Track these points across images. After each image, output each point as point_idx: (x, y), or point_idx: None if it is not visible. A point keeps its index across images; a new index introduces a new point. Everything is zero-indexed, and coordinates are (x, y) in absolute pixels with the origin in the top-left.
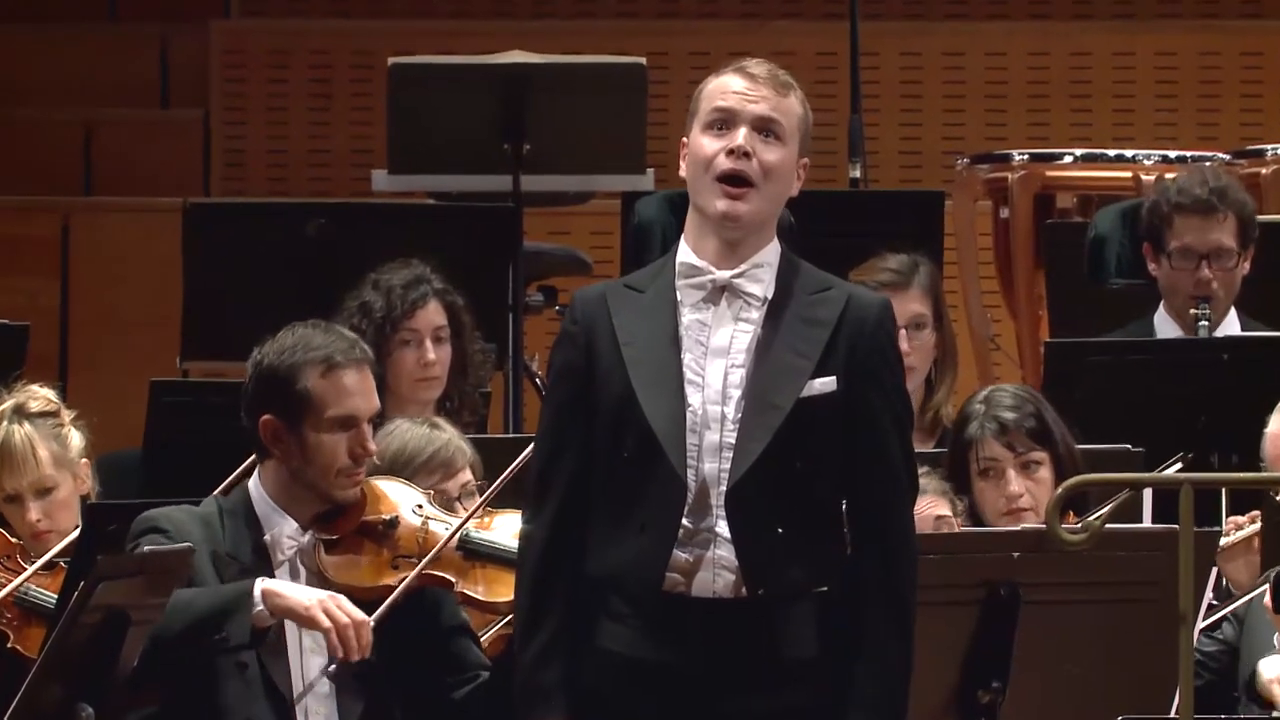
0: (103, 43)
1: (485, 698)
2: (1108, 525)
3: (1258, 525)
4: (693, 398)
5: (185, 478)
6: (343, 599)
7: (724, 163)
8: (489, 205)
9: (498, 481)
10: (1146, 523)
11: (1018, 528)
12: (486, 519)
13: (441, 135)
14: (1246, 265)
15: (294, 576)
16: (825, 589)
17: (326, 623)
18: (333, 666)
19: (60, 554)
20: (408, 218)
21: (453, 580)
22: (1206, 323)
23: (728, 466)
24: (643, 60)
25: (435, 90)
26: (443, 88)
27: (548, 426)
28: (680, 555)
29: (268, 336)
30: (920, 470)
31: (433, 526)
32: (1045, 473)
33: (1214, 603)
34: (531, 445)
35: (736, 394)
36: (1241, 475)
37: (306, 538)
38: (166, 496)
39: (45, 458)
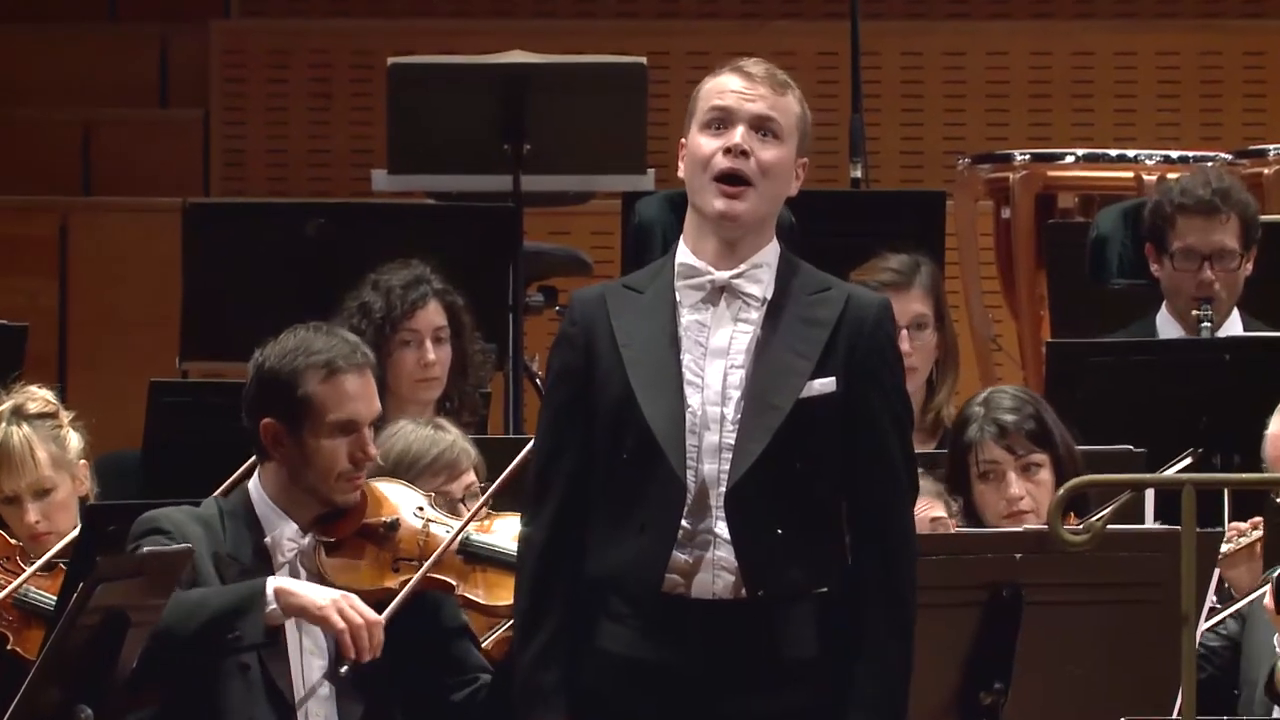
0: (102, 42)
1: (487, 700)
2: (1110, 526)
3: (1260, 532)
4: (692, 399)
5: (185, 478)
6: (355, 599)
7: (721, 162)
8: (489, 205)
9: (495, 483)
10: (1149, 523)
11: (1020, 528)
12: (487, 522)
13: (441, 135)
14: (1249, 266)
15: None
16: (825, 590)
17: (340, 623)
18: (344, 668)
19: (60, 555)
20: (407, 218)
21: (454, 584)
22: (1209, 323)
23: (727, 467)
24: (643, 60)
25: (435, 90)
26: (443, 87)
27: (547, 428)
28: (680, 556)
29: (269, 338)
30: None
31: (433, 529)
32: (1045, 475)
33: (1215, 605)
34: (529, 445)
35: (736, 395)
36: (1244, 476)
37: (307, 540)
38: (166, 497)
39: (44, 459)
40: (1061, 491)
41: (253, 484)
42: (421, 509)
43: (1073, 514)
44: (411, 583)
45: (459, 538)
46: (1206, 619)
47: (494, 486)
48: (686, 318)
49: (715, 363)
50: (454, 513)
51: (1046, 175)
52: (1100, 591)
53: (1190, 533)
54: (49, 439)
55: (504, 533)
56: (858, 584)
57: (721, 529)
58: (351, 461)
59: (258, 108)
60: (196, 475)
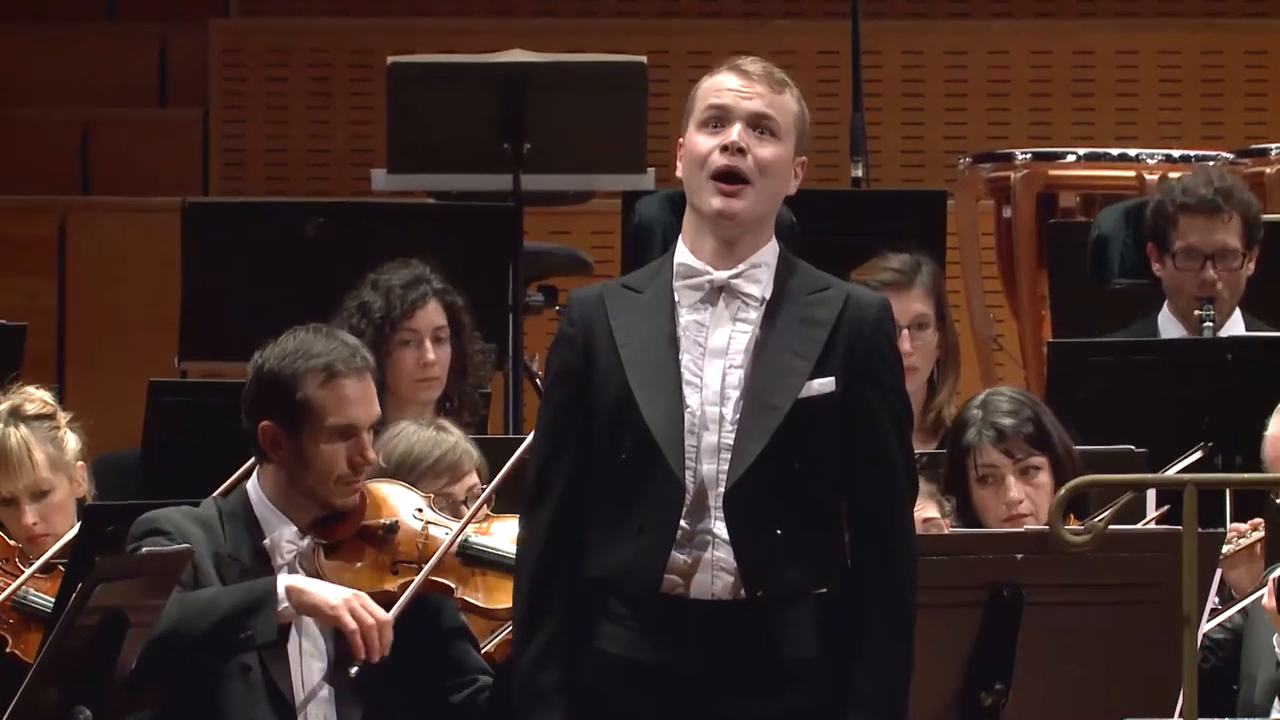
0: (101, 42)
1: (489, 703)
2: (1111, 526)
3: (1260, 533)
4: (691, 399)
5: (184, 478)
6: (366, 598)
7: (718, 160)
8: (489, 205)
9: (492, 483)
10: (1150, 521)
11: (1021, 529)
12: (485, 524)
13: (441, 134)
14: (1251, 265)
15: None
16: (824, 590)
17: (352, 624)
18: (354, 669)
19: (59, 556)
20: (407, 217)
21: (453, 586)
22: (1211, 323)
23: (726, 468)
24: (643, 59)
25: (435, 89)
26: (443, 87)
27: (545, 428)
28: (678, 557)
29: (269, 340)
30: None
31: (433, 531)
32: (1044, 477)
33: (1216, 605)
34: (525, 442)
35: (735, 395)
36: (1245, 476)
37: (305, 542)
38: (165, 497)
39: (41, 461)
40: (1063, 491)
41: (251, 485)
42: (420, 510)
43: (1072, 515)
44: (414, 585)
45: (458, 540)
46: (1208, 620)
47: (491, 486)
48: (685, 318)
49: (714, 363)
50: (455, 514)
51: (1048, 174)
52: (1101, 592)
53: (1192, 533)
54: (46, 440)
55: (502, 535)
56: (857, 584)
57: (720, 529)
58: (350, 466)
59: (257, 107)
60: (196, 475)
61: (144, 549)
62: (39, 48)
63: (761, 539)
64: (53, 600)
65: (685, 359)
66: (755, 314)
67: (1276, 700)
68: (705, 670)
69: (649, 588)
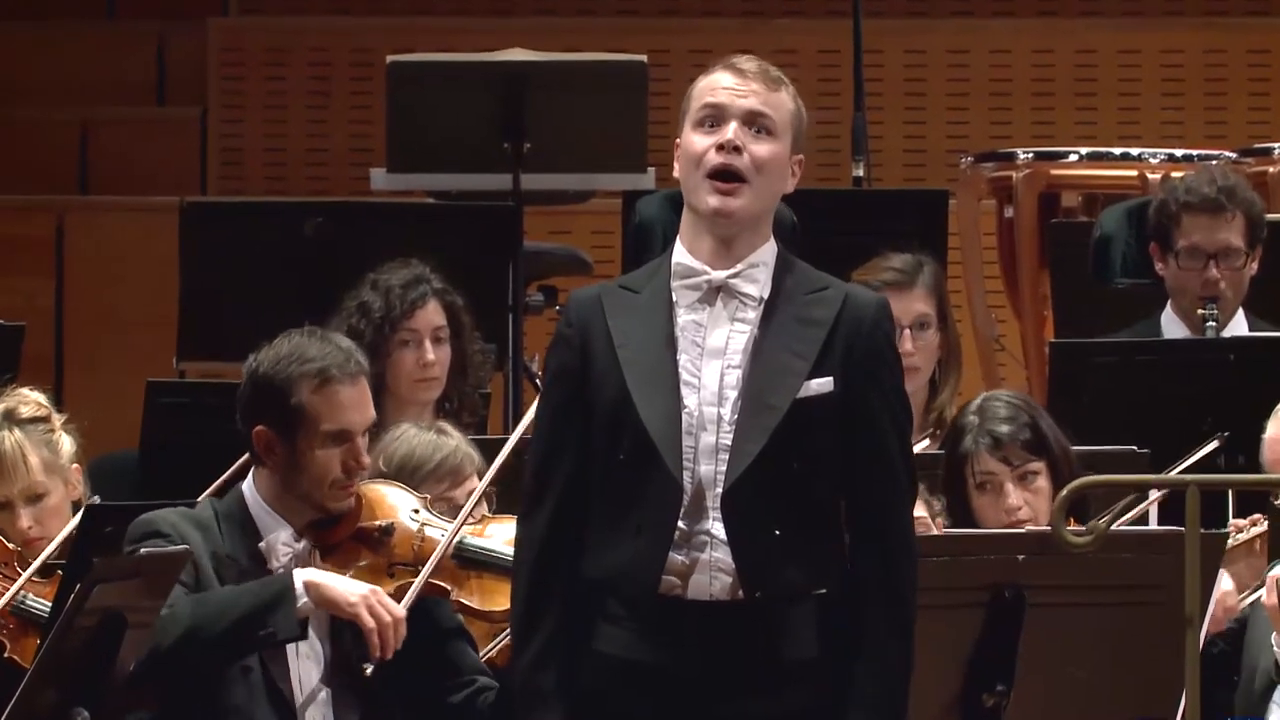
0: (100, 41)
1: (493, 709)
2: (1113, 527)
3: (1259, 529)
4: (689, 399)
5: (182, 479)
6: (382, 593)
7: (714, 159)
8: (489, 204)
9: (481, 484)
10: (1152, 525)
11: (1023, 530)
12: (481, 525)
13: (441, 134)
14: (1254, 265)
15: None
16: (824, 590)
17: (371, 622)
18: (369, 667)
19: (56, 557)
20: (407, 217)
21: (449, 589)
22: (1214, 323)
23: (724, 468)
24: (644, 58)
25: (434, 88)
26: (442, 86)
27: (543, 429)
28: (676, 558)
29: (264, 343)
30: None
31: (429, 532)
32: (1042, 482)
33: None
34: (512, 439)
35: (733, 395)
36: (1248, 477)
37: (301, 545)
38: (163, 498)
39: (36, 464)
40: (1065, 492)
41: (247, 487)
42: (417, 511)
43: (1071, 519)
44: (415, 587)
45: (455, 541)
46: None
47: (481, 486)
48: (683, 318)
49: (712, 363)
50: (453, 518)
51: (1050, 174)
52: (1103, 593)
53: (1194, 534)
54: (41, 444)
55: (498, 537)
56: (857, 584)
57: (718, 530)
58: (345, 470)
59: (256, 106)
60: (194, 476)
61: (142, 550)
62: (37, 46)
63: (760, 539)
64: (50, 605)
65: (683, 359)
66: (753, 314)
67: (1275, 694)
68: (704, 671)
69: (647, 589)
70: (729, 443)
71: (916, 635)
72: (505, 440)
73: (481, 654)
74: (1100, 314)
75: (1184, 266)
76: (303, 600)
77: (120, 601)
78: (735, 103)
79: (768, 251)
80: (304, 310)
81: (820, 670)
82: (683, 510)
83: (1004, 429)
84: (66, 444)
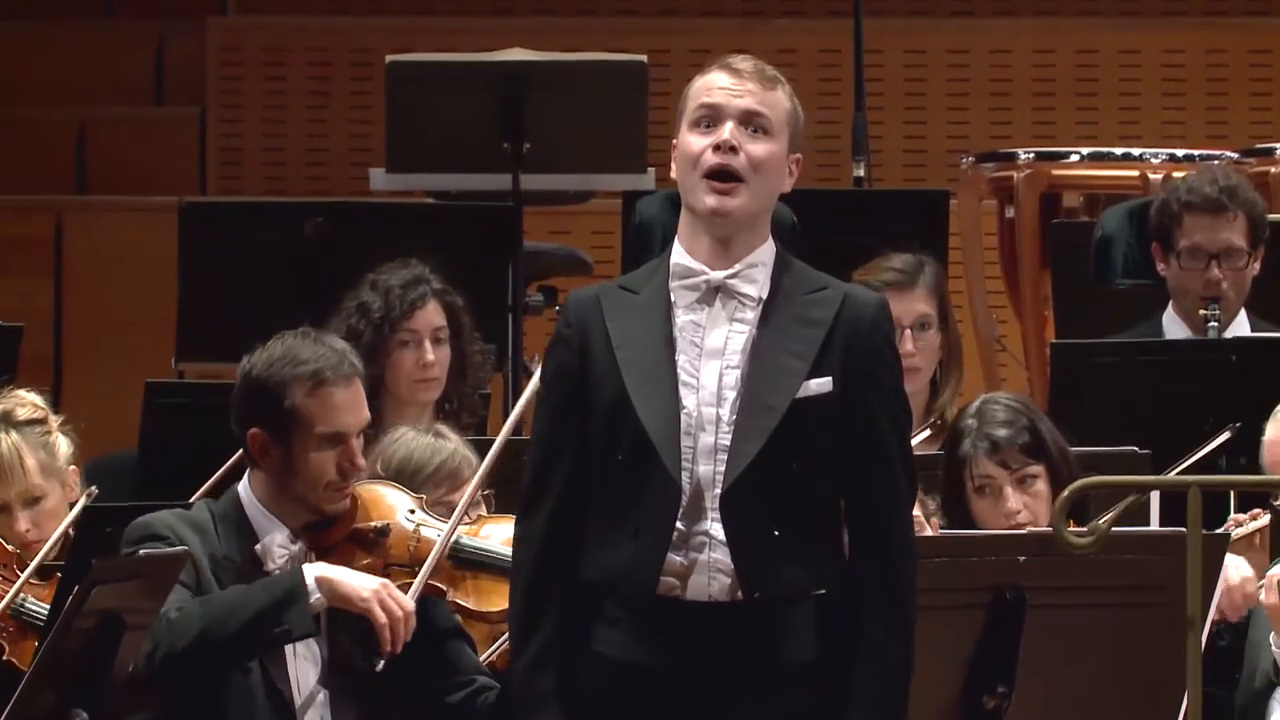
0: (98, 40)
1: (494, 708)
2: (1114, 528)
3: (1259, 522)
4: (687, 400)
5: (181, 479)
6: (393, 587)
7: (711, 159)
8: (488, 204)
9: (474, 482)
10: (1154, 525)
11: (1024, 531)
12: (476, 525)
13: (440, 133)
14: (1256, 265)
15: None
16: (823, 591)
17: (384, 618)
18: (380, 662)
19: (55, 559)
20: (406, 217)
21: (444, 589)
22: (1216, 323)
23: (723, 469)
24: (644, 58)
25: (434, 88)
26: (442, 85)
27: (542, 429)
28: (675, 559)
29: (257, 345)
30: None
31: (424, 532)
32: (1041, 485)
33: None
34: (498, 440)
35: (731, 395)
36: (1248, 478)
37: (297, 547)
38: (162, 498)
39: (33, 467)
40: (1066, 493)
41: (243, 489)
42: (413, 512)
43: (1071, 520)
44: (415, 588)
45: (450, 542)
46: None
47: (473, 484)
48: (681, 318)
49: (710, 363)
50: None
51: (1051, 174)
52: (1105, 594)
53: (1196, 535)
54: (38, 446)
55: (494, 536)
56: (857, 585)
57: (717, 531)
58: (339, 472)
59: (255, 106)
60: (193, 476)
61: (141, 551)
62: (35, 46)
63: (759, 540)
64: (48, 608)
65: (681, 360)
66: (752, 314)
67: (1276, 694)
68: (703, 673)
69: (645, 590)
70: (728, 443)
71: (917, 636)
72: (507, 441)
73: (482, 658)
74: (1101, 314)
75: (1185, 267)
76: (315, 596)
77: (119, 603)
78: (731, 103)
79: (766, 251)
80: (303, 311)
81: (820, 672)
82: (681, 511)
83: (1002, 433)
84: (63, 446)
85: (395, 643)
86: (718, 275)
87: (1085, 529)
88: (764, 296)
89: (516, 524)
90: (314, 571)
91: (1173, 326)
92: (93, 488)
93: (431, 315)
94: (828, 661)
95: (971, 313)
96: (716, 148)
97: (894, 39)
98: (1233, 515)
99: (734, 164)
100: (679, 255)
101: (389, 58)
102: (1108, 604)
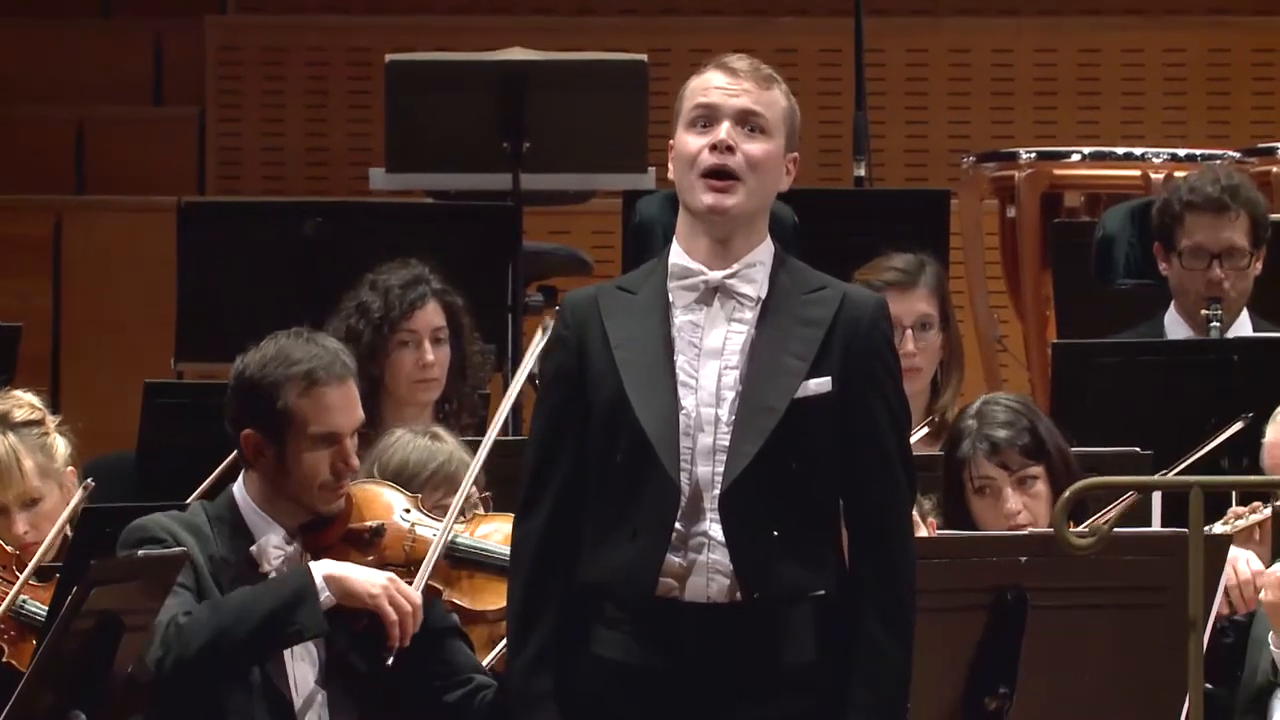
0: (96, 39)
1: (491, 707)
2: (1116, 529)
3: (1259, 515)
4: (686, 400)
5: (180, 480)
6: (400, 582)
7: (708, 158)
8: (488, 204)
9: (468, 479)
10: (1155, 526)
11: (1025, 532)
12: (473, 524)
13: (440, 133)
14: (1259, 265)
15: None
16: (822, 592)
17: (393, 614)
18: (390, 658)
19: (54, 559)
20: (406, 217)
21: (440, 588)
22: (1218, 323)
23: (721, 469)
24: (644, 58)
25: (434, 88)
26: (441, 85)
27: (540, 430)
28: (674, 560)
29: (250, 345)
30: None
31: (420, 532)
32: (1041, 486)
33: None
34: (485, 443)
35: (730, 396)
36: (1249, 478)
37: (293, 547)
38: (161, 499)
39: (30, 469)
40: (1068, 493)
41: (238, 490)
42: (408, 511)
43: (1071, 522)
44: (414, 588)
45: (446, 541)
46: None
47: (468, 480)
48: (680, 318)
49: (709, 364)
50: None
51: (1052, 174)
52: (1106, 595)
53: (1198, 536)
54: (35, 448)
55: (490, 535)
56: (856, 585)
57: (716, 531)
58: (333, 472)
59: (254, 105)
60: (192, 477)
61: (140, 552)
62: (33, 45)
63: (758, 540)
64: (47, 609)
65: (680, 360)
66: (750, 314)
67: (1276, 693)
68: (702, 674)
69: (644, 591)
70: (726, 444)
71: (918, 637)
72: (503, 441)
73: (485, 664)
74: (1103, 314)
75: (1187, 266)
76: (325, 594)
77: (117, 604)
78: (727, 102)
79: (764, 251)
80: (303, 311)
81: (819, 673)
82: (680, 512)
83: (1002, 434)
84: (61, 446)
85: (405, 638)
86: (716, 275)
87: (1086, 529)
88: (763, 296)
89: (515, 524)
90: (322, 570)
91: (1174, 327)
92: (89, 480)
93: (431, 315)
94: (827, 662)
95: (972, 313)
96: (713, 147)
97: (895, 38)
98: (1233, 509)
99: (731, 163)
100: (677, 255)
101: (388, 57)
102: (1109, 605)
